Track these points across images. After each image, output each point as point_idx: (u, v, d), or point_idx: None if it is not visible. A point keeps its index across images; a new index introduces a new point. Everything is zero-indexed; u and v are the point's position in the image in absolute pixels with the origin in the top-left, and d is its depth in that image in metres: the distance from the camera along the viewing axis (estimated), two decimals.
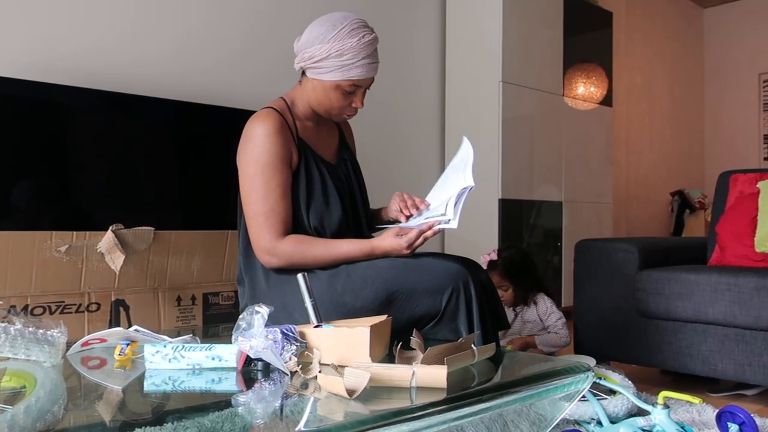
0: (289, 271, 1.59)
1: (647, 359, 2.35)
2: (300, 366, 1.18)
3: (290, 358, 1.21)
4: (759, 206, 2.25)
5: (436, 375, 1.07)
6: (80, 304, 1.90)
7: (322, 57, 1.56)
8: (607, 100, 4.35)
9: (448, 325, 1.53)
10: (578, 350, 2.54)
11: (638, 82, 5.45)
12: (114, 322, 1.94)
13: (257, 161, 1.57)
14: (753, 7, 6.06)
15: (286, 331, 1.27)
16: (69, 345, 1.37)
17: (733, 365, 2.13)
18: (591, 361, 2.12)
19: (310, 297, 1.38)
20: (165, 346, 1.26)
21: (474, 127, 3.68)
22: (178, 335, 1.85)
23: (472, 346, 1.27)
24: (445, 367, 1.08)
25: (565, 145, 4.01)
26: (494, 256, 2.74)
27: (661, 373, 2.60)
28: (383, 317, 1.39)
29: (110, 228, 1.88)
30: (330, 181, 1.66)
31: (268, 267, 1.61)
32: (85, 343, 1.42)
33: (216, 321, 2.07)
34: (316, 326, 1.34)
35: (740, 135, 6.15)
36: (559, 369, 1.23)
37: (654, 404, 1.77)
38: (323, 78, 1.59)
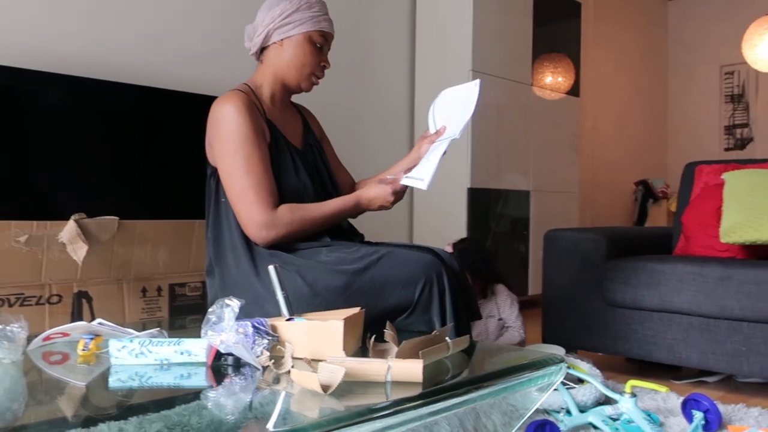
0: (259, 262, 1.56)
1: (614, 348, 2.38)
2: (272, 360, 1.15)
3: (262, 353, 1.18)
4: (724, 197, 2.28)
5: (411, 369, 1.06)
6: (41, 296, 1.84)
7: (292, 11, 1.61)
8: (574, 90, 4.38)
9: (421, 317, 1.52)
10: (546, 339, 2.57)
11: (605, 72, 5.50)
12: (77, 315, 1.88)
13: (234, 138, 1.53)
14: (716, 0, 6.17)
15: (257, 325, 1.24)
16: (30, 339, 1.32)
17: (697, 353, 2.17)
18: (560, 351, 2.14)
19: (282, 289, 1.35)
20: (131, 341, 1.22)
21: None
22: (144, 328, 1.81)
23: (447, 338, 1.26)
24: (421, 361, 1.07)
25: (533, 135, 4.03)
26: (449, 249, 2.72)
27: (626, 360, 2.64)
28: (356, 309, 1.37)
29: (72, 217, 1.82)
30: (300, 164, 1.64)
31: (264, 242, 1.56)
32: (47, 338, 1.37)
33: (182, 312, 2.03)
34: (288, 319, 1.31)
35: (702, 126, 6.27)
36: (532, 361, 1.23)
37: (621, 393, 1.79)
38: (294, 32, 1.61)
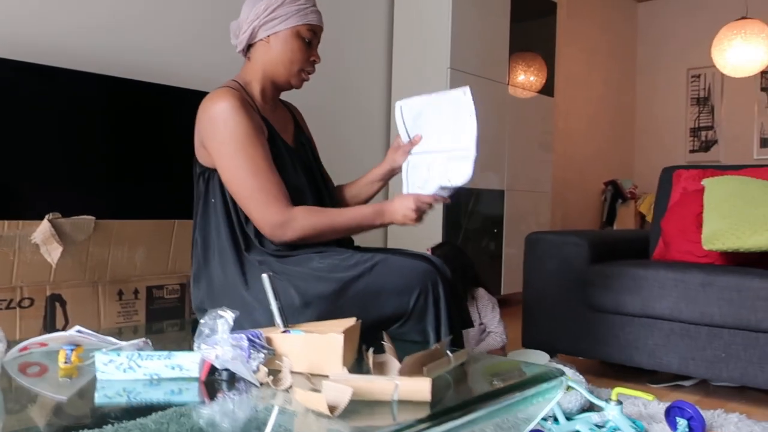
0: (248, 268, 1.50)
1: (594, 352, 2.39)
2: (270, 377, 1.10)
3: (258, 368, 1.13)
4: (705, 204, 2.30)
5: (419, 388, 1.02)
6: (11, 300, 1.74)
7: (277, 5, 1.55)
8: (549, 90, 4.39)
9: (415, 326, 1.49)
10: (526, 342, 2.56)
11: (576, 71, 5.54)
12: (50, 319, 1.79)
13: (234, 137, 1.47)
14: (685, 3, 6.26)
15: (252, 338, 1.19)
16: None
17: (678, 359, 2.19)
18: (545, 357, 2.13)
19: (276, 299, 1.30)
20: (118, 354, 1.15)
21: None
22: (119, 333, 1.74)
23: (447, 352, 1.23)
24: (429, 380, 1.03)
25: (509, 134, 4.03)
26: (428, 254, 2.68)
27: (601, 363, 2.66)
28: (351, 320, 1.33)
29: (46, 217, 1.72)
30: (297, 163, 1.59)
31: (280, 241, 1.50)
32: (24, 348, 1.29)
33: (160, 316, 1.95)
34: (283, 331, 1.26)
35: (669, 128, 6.37)
36: (536, 375, 1.21)
37: (607, 400, 1.80)
38: (281, 28, 1.55)
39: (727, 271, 2.11)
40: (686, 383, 2.40)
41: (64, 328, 1.82)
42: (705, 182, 2.43)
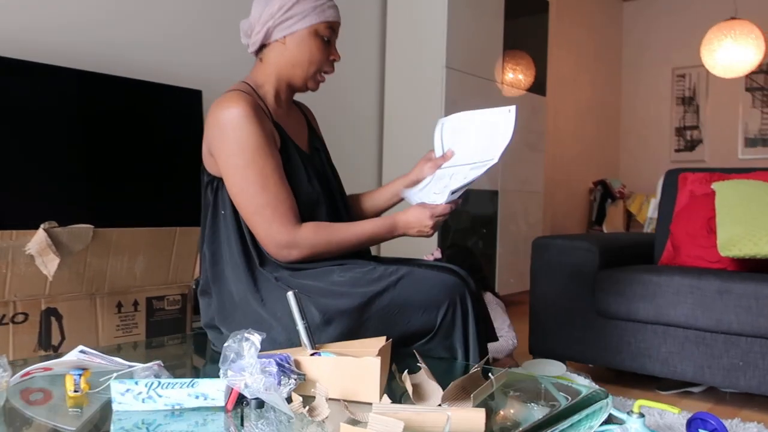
0: (262, 284, 1.41)
1: (605, 359, 2.34)
2: (306, 407, 1.01)
3: (290, 395, 1.04)
4: (717, 209, 2.26)
5: (473, 419, 0.95)
6: (4, 315, 1.62)
7: (293, 2, 1.44)
8: (541, 89, 4.35)
9: (442, 342, 1.41)
10: (533, 349, 2.50)
11: (565, 71, 5.51)
12: (44, 335, 1.67)
13: (244, 148, 1.36)
14: (669, 3, 6.27)
15: (280, 362, 1.10)
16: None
17: (693, 367, 2.15)
18: (561, 367, 2.07)
19: (303, 318, 1.21)
20: (136, 383, 1.06)
21: (415, 113, 3.56)
22: (119, 349, 1.63)
23: (490, 375, 1.15)
24: (482, 410, 0.95)
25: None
26: (438, 255, 2.63)
27: (607, 370, 2.61)
28: (382, 339, 1.25)
29: (42, 226, 1.60)
30: (312, 171, 1.50)
31: (286, 261, 1.41)
32: (26, 374, 1.19)
33: (161, 329, 1.84)
34: (312, 353, 1.17)
35: (654, 128, 6.38)
36: (585, 398, 1.14)
37: (629, 413, 1.74)
38: (298, 27, 1.45)
39: (745, 278, 2.07)
40: (695, 390, 2.36)
41: (60, 345, 1.70)
42: (715, 186, 2.38)
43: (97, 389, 1.14)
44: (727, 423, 1.94)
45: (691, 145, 6.20)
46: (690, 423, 1.81)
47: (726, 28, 4.55)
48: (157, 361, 1.20)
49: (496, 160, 1.41)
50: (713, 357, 2.11)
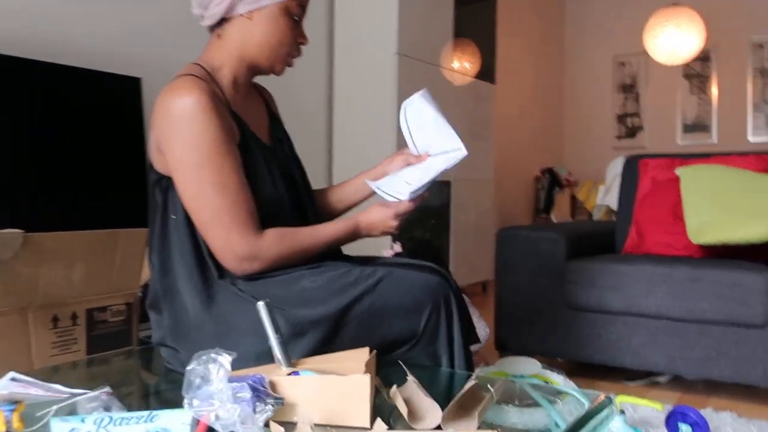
0: (222, 297, 1.25)
1: (574, 353, 2.28)
2: None
3: (268, 425, 0.90)
4: (683, 195, 2.22)
5: None
6: None
7: None
8: (490, 76, 4.28)
9: (425, 349, 1.29)
10: (500, 344, 2.42)
11: (510, 57, 5.47)
12: None
13: (199, 144, 1.19)
14: None
15: (254, 384, 0.96)
16: None
17: (666, 358, 2.10)
18: (536, 365, 1.99)
19: (276, 332, 1.06)
20: (83, 420, 0.89)
21: (367, 101, 3.42)
22: (56, 371, 1.45)
23: (489, 386, 1.04)
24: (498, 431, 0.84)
25: (455, 122, 3.87)
26: (399, 249, 2.50)
27: (569, 362, 2.55)
28: (364, 351, 1.12)
29: None
30: (275, 168, 1.34)
31: (244, 274, 1.25)
32: None
33: (104, 344, 1.64)
34: (290, 373, 1.03)
35: (596, 115, 6.44)
36: (597, 406, 1.04)
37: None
38: (268, 2, 1.28)
39: (716, 265, 2.04)
40: (662, 379, 2.33)
41: None
42: (679, 171, 2.35)
43: (34, 427, 0.96)
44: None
45: (632, 132, 6.28)
46: (669, 417, 1.76)
47: (668, 15, 4.60)
48: (105, 388, 1.03)
49: (466, 152, 1.43)
50: (686, 347, 2.07)
